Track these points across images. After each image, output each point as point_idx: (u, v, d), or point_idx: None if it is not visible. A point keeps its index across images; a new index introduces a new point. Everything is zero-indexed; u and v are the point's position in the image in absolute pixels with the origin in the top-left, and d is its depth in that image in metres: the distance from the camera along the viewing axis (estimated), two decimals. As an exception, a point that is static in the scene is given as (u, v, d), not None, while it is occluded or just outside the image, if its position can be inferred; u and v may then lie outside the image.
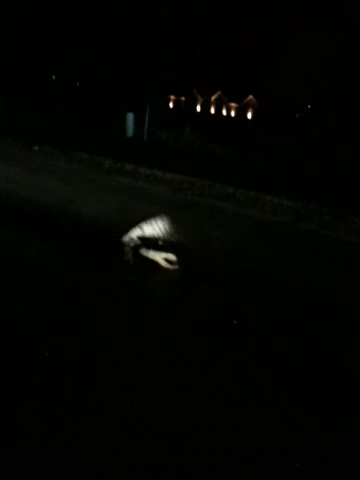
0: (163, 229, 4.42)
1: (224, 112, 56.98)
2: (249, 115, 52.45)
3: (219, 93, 57.43)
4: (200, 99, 57.70)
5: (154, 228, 4.41)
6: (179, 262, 4.32)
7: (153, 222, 4.47)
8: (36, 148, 11.01)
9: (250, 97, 54.47)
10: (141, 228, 4.43)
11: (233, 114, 55.95)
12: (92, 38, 22.04)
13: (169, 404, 2.52)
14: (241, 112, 53.64)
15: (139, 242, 4.33)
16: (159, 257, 4.30)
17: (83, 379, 2.63)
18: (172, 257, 4.31)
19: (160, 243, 4.37)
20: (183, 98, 55.03)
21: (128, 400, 2.50)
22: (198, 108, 56.06)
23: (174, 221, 4.60)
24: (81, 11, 22.16)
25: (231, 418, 2.45)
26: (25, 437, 2.16)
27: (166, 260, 4.31)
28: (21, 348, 2.85)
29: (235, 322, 3.47)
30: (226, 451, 2.24)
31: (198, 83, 54.35)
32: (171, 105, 51.39)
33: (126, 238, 4.38)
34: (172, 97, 53.33)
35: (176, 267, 4.30)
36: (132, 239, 4.35)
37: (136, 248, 4.33)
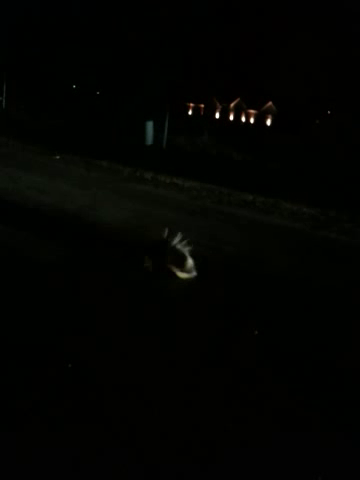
0: (181, 239, 4.43)
1: (243, 119, 56.94)
2: (268, 121, 52.30)
3: (238, 100, 57.46)
4: (219, 106, 57.78)
5: (173, 237, 4.42)
6: (197, 270, 4.33)
7: (172, 232, 4.48)
8: (58, 157, 11.17)
9: (269, 103, 54.38)
10: (160, 236, 4.43)
11: (252, 121, 55.89)
12: (108, 42, 22.25)
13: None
14: (260, 119, 53.54)
15: (158, 250, 4.35)
16: (178, 269, 4.32)
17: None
18: (190, 265, 4.32)
19: (178, 252, 4.37)
20: (202, 105, 55.17)
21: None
22: (217, 115, 56.12)
23: (191, 230, 4.62)
24: (100, 16, 22.43)
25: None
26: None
27: (184, 269, 4.32)
28: (33, 351, 2.89)
29: (256, 332, 3.47)
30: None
31: (217, 90, 54.45)
32: (190, 112, 51.52)
33: (145, 246, 4.40)
34: (191, 104, 53.49)
35: (194, 274, 4.32)
36: (151, 247, 4.37)
37: (155, 256, 4.35)
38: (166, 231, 4.45)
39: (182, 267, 4.31)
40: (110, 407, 2.45)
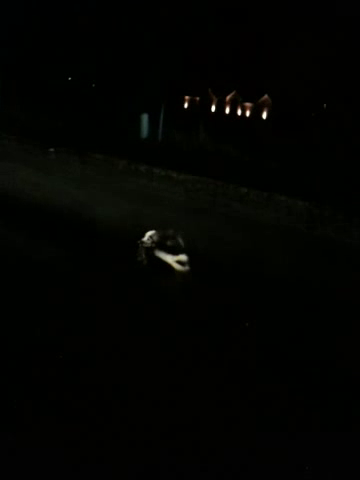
0: (175, 231, 4.44)
1: (239, 112, 56.84)
2: (264, 115, 52.30)
3: (234, 93, 57.30)
4: (215, 99, 57.62)
5: (166, 231, 4.43)
6: (190, 264, 4.32)
7: (166, 225, 4.50)
8: (52, 150, 11.11)
9: (265, 97, 54.30)
10: (154, 230, 4.45)
11: (248, 114, 55.81)
12: (106, 40, 22.17)
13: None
14: (256, 112, 53.49)
15: (152, 244, 4.36)
16: (171, 259, 4.32)
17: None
18: (184, 258, 4.31)
19: (172, 245, 4.39)
20: (198, 98, 54.97)
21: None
22: (213, 108, 55.98)
23: (185, 224, 4.61)
24: (96, 12, 22.34)
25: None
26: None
27: (178, 262, 4.32)
28: (29, 348, 2.91)
29: (246, 325, 3.49)
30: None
31: (213, 83, 54.28)
32: (186, 105, 51.37)
33: (139, 239, 4.40)
34: (187, 97, 53.31)
35: (187, 268, 4.30)
36: (145, 240, 4.38)
37: (149, 249, 4.35)
38: (160, 226, 4.45)
39: (176, 262, 4.31)
40: (110, 407, 2.46)
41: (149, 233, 4.45)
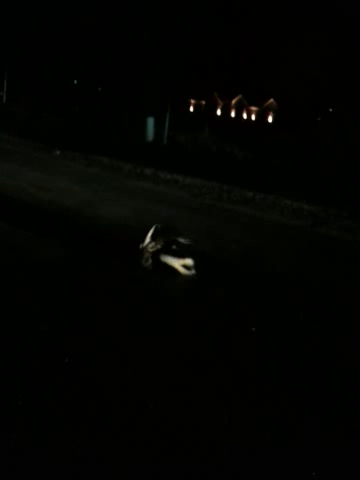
0: (180, 235, 4.47)
1: (244, 115, 56.92)
2: (270, 118, 52.32)
3: (239, 96, 57.42)
4: (220, 103, 57.74)
5: (171, 234, 4.45)
6: (197, 267, 4.34)
7: (170, 228, 4.52)
8: (58, 153, 11.17)
9: (271, 100, 54.37)
10: (159, 234, 4.46)
11: (253, 117, 55.89)
12: (107, 40, 22.33)
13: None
14: (261, 116, 53.55)
15: (157, 248, 4.37)
16: (177, 263, 4.33)
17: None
18: (190, 262, 4.33)
19: (178, 248, 4.41)
20: (203, 102, 55.13)
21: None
22: (218, 112, 56.10)
23: (191, 226, 4.63)
24: (100, 12, 22.53)
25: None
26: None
27: (184, 266, 4.34)
28: (29, 348, 2.90)
29: (253, 329, 3.48)
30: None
31: (217, 86, 54.46)
32: (192, 109, 51.49)
33: (144, 244, 4.42)
34: (193, 101, 53.46)
35: (194, 272, 4.32)
36: (150, 244, 4.39)
37: (154, 253, 4.36)
38: (165, 230, 4.47)
39: (181, 266, 4.32)
40: (110, 407, 2.45)
41: (152, 236, 4.45)
